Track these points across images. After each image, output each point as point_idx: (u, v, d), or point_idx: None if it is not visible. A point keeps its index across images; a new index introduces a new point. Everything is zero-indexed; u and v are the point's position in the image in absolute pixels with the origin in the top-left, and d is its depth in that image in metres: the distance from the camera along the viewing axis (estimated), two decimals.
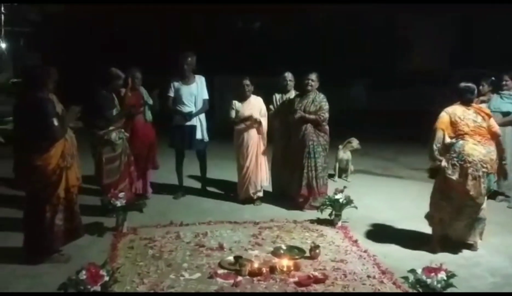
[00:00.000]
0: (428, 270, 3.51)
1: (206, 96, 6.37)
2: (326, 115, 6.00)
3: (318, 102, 5.98)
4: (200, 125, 6.31)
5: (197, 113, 6.27)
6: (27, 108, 4.16)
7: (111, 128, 5.47)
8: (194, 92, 6.26)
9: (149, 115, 6.21)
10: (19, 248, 4.36)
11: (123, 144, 5.59)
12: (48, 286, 3.81)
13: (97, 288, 3.31)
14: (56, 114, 4.13)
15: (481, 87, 6.81)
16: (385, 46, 16.38)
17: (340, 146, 7.65)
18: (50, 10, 15.80)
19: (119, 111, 5.60)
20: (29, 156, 4.11)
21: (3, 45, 15.45)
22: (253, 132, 6.15)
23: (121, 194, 5.08)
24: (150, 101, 6.19)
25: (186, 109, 6.22)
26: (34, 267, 4.21)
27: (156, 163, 6.39)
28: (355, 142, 7.66)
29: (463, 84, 4.87)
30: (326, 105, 6.00)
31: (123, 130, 5.62)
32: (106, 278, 3.38)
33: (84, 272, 3.31)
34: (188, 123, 6.22)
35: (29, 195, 4.28)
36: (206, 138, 6.42)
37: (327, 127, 6.07)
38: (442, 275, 3.47)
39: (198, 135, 6.30)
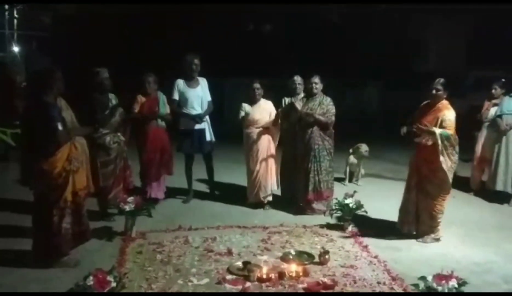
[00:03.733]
0: (439, 277, 3.46)
1: (209, 98, 6.35)
2: (333, 118, 5.95)
3: (325, 105, 5.92)
4: (207, 127, 6.32)
5: (205, 113, 6.25)
6: (33, 112, 4.19)
7: (105, 132, 5.44)
8: (200, 95, 6.24)
9: (161, 121, 6.15)
10: (29, 251, 4.37)
11: (119, 149, 5.56)
12: (57, 291, 3.81)
13: None
14: (61, 119, 4.14)
15: (493, 90, 6.75)
16: (399, 46, 16.24)
17: (351, 151, 7.58)
18: (62, 12, 15.93)
19: (110, 113, 5.51)
20: (35, 159, 4.13)
21: (16, 49, 15.54)
22: (262, 136, 6.12)
23: (130, 199, 5.06)
24: (167, 109, 6.12)
25: (194, 113, 6.20)
26: (43, 271, 4.22)
27: (170, 168, 6.31)
28: (363, 149, 7.48)
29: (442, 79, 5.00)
30: (333, 109, 5.94)
31: (119, 134, 5.58)
32: (113, 285, 3.38)
33: (91, 278, 3.32)
34: (197, 127, 6.20)
35: (36, 199, 4.30)
36: (213, 139, 6.41)
37: (332, 131, 6.00)
38: (453, 282, 3.41)
39: (207, 137, 6.30)
